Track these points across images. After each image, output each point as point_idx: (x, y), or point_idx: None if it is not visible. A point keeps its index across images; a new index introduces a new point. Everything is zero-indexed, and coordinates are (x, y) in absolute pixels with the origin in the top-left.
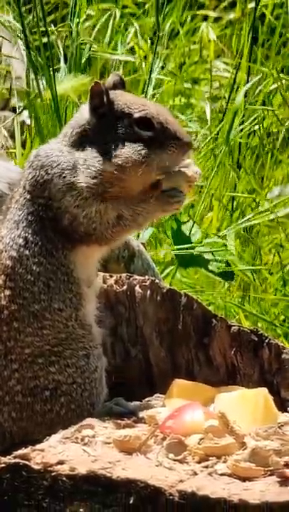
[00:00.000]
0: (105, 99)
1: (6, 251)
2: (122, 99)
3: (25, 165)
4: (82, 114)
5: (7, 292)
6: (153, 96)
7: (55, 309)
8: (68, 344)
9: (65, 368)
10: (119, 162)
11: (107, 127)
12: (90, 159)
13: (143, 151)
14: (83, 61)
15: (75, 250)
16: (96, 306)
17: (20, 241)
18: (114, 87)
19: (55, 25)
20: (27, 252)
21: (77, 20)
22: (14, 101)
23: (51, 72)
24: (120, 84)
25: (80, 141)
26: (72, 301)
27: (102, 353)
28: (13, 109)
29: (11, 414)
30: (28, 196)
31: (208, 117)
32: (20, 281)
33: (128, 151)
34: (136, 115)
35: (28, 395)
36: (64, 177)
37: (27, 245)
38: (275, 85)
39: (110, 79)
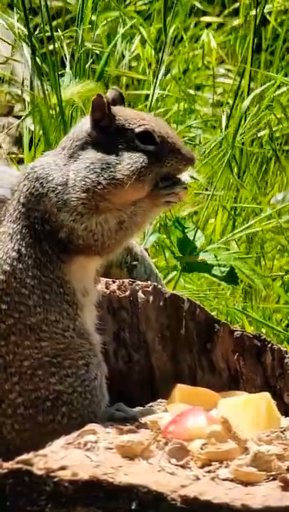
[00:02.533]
0: (107, 112)
1: None
2: (123, 113)
3: (20, 177)
4: (82, 127)
5: (3, 306)
6: (157, 101)
7: (52, 321)
8: (67, 354)
9: (65, 378)
10: (117, 176)
11: (107, 141)
12: (83, 172)
13: (142, 167)
14: (98, 70)
15: (71, 261)
16: (95, 314)
17: (14, 254)
18: (114, 102)
19: (58, 30)
20: (20, 265)
21: (84, 26)
22: (18, 107)
23: (56, 78)
24: (119, 100)
25: (79, 154)
26: (68, 312)
27: (104, 358)
28: (17, 116)
29: (14, 426)
30: (23, 209)
31: (224, 125)
32: (15, 295)
33: (126, 166)
34: (137, 129)
35: (30, 407)
36: (57, 193)
37: (20, 258)
38: (281, 90)
39: (109, 94)
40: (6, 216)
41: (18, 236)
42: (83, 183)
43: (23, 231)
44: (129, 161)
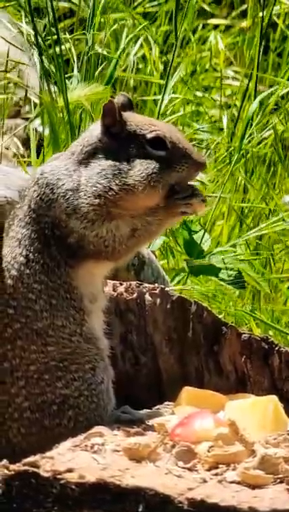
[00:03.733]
0: (118, 118)
1: (7, 270)
2: (134, 119)
3: (29, 182)
4: (93, 133)
5: (10, 311)
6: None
7: (58, 326)
8: (74, 359)
9: (72, 382)
10: (128, 182)
11: (118, 147)
12: (94, 178)
13: (153, 172)
14: (101, 72)
15: (79, 267)
16: (103, 319)
17: (22, 259)
18: (123, 108)
19: (66, 33)
20: (28, 270)
21: (92, 29)
22: (26, 109)
23: (63, 80)
24: (128, 105)
25: (89, 160)
26: (75, 318)
27: (112, 361)
28: (25, 118)
29: (20, 430)
30: (34, 215)
31: (225, 126)
32: (22, 300)
33: (138, 172)
34: (148, 135)
35: (36, 411)
36: (67, 198)
37: (28, 264)
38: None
39: (118, 100)
40: (16, 221)
41: (27, 241)
42: (94, 189)
43: (32, 236)
44: (141, 167)
